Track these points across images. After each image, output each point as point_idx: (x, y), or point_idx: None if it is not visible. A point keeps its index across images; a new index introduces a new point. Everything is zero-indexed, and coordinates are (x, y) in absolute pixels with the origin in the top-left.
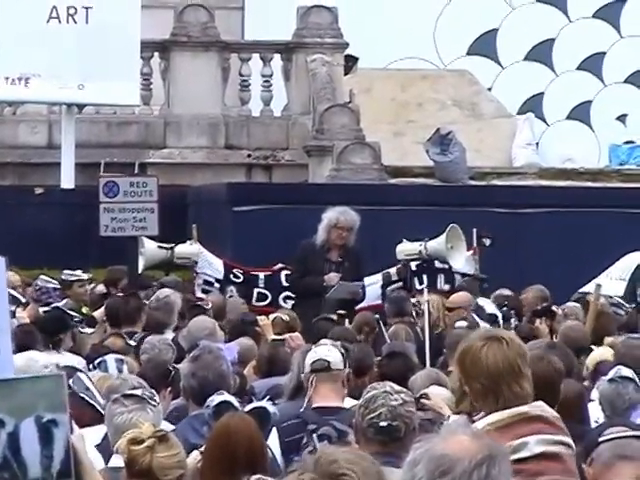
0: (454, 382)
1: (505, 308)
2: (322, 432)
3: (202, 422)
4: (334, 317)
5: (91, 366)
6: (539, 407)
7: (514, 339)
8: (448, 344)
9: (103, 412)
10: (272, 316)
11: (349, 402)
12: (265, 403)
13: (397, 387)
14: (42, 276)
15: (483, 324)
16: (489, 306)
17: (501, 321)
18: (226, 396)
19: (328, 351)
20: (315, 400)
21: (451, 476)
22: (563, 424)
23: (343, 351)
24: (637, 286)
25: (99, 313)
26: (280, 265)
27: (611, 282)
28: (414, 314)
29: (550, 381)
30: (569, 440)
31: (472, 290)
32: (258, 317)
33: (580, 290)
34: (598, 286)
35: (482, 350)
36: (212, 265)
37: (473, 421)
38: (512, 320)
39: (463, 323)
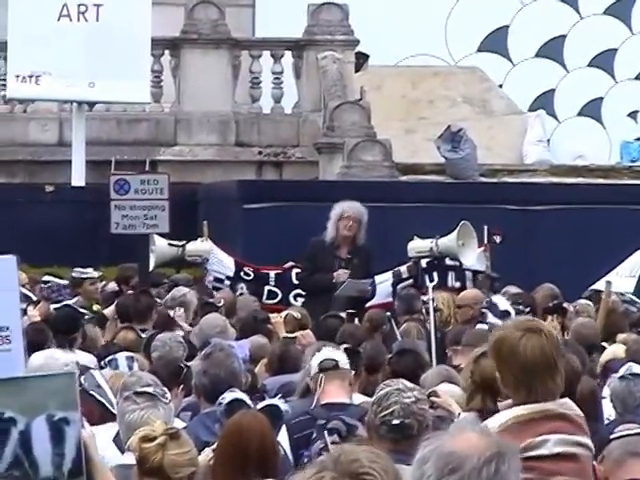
0: (465, 379)
1: (521, 306)
2: (331, 426)
3: (214, 420)
4: (342, 315)
5: (103, 363)
6: (564, 405)
7: (552, 332)
8: (464, 341)
9: (113, 410)
10: (284, 313)
11: (359, 398)
12: (277, 401)
13: (410, 384)
14: (46, 276)
15: (496, 321)
16: (502, 303)
17: (513, 318)
18: (238, 394)
19: (333, 352)
20: (323, 398)
21: (460, 473)
22: (586, 424)
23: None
24: None
25: (109, 311)
26: (291, 263)
27: (621, 279)
28: (424, 311)
29: (568, 379)
30: (588, 441)
31: (483, 288)
32: (270, 315)
33: (591, 287)
34: (608, 283)
35: (521, 341)
36: (223, 263)
37: (487, 417)
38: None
39: (484, 327)
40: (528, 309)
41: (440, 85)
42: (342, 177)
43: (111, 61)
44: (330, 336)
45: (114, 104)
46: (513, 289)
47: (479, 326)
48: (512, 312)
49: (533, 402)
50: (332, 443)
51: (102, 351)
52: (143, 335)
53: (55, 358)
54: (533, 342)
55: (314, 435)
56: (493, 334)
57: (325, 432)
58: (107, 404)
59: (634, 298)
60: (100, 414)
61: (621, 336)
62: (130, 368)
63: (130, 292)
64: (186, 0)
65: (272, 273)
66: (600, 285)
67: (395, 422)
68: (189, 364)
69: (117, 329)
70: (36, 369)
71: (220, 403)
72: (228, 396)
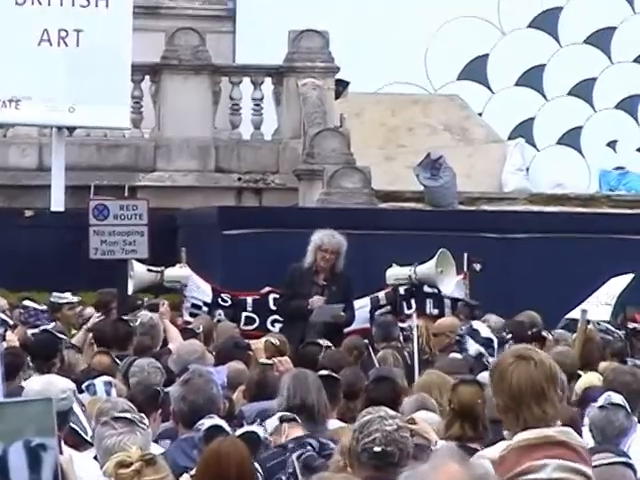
0: (444, 407)
1: (505, 333)
2: (304, 441)
3: (192, 445)
4: (321, 342)
5: (83, 387)
6: (566, 433)
7: (545, 360)
8: (438, 369)
9: (85, 437)
10: (263, 339)
11: (336, 424)
12: (256, 427)
13: (392, 412)
14: (25, 301)
15: (476, 347)
16: (484, 330)
17: (496, 345)
18: (217, 420)
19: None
20: (291, 435)
21: None
22: (588, 454)
23: None
24: (620, 312)
25: (77, 339)
26: (268, 288)
27: (597, 308)
28: (402, 339)
29: None
30: (589, 471)
31: (462, 315)
32: (251, 341)
33: (567, 316)
34: (584, 312)
35: (509, 368)
36: (200, 289)
37: (465, 444)
38: (507, 345)
39: (458, 356)
40: (510, 336)
41: (420, 113)
42: (322, 204)
43: (91, 86)
44: (309, 363)
45: (94, 129)
46: (493, 317)
47: (453, 355)
48: (494, 339)
49: (522, 429)
50: (303, 455)
51: (81, 376)
52: (118, 361)
53: (54, 384)
54: (520, 369)
55: (286, 457)
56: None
57: (293, 455)
58: (80, 431)
59: (610, 327)
60: (72, 441)
61: (603, 365)
62: (108, 393)
63: (102, 316)
64: (167, 26)
65: (249, 299)
66: (576, 314)
67: (376, 449)
68: (167, 390)
69: (92, 354)
70: (35, 394)
71: (198, 429)
72: (207, 422)
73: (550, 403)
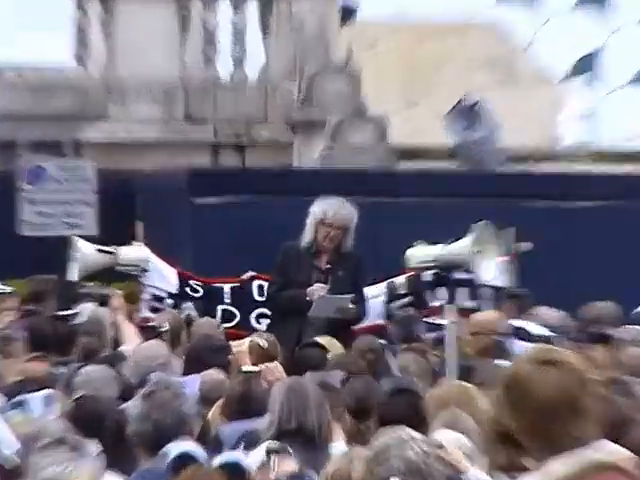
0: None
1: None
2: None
3: (157, 477)
4: (323, 342)
5: (15, 402)
6: (608, 451)
7: (574, 363)
8: (477, 380)
9: (15, 464)
10: (247, 340)
11: (341, 446)
12: (238, 455)
13: (416, 434)
14: None
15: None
16: (534, 327)
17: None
18: (188, 444)
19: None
20: (282, 470)
21: None
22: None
23: None
24: None
25: None
26: (251, 273)
27: None
28: (430, 339)
29: (614, 427)
30: None
31: (505, 308)
32: (232, 343)
33: None
34: None
35: (535, 377)
36: (163, 275)
37: (514, 475)
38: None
39: (506, 363)
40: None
41: (450, 45)
42: (323, 163)
43: (24, 13)
44: (308, 370)
45: (25, 66)
46: (547, 310)
47: (498, 361)
48: (550, 335)
49: (556, 452)
50: None
51: (13, 388)
52: (61, 368)
53: None
54: (549, 378)
55: None
56: (504, 370)
57: None
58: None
59: None
60: None
61: None
62: (48, 411)
63: (27, 310)
64: None
65: (227, 287)
66: None
67: None
68: (124, 406)
69: (25, 359)
70: None
71: (165, 455)
72: (175, 448)
73: (588, 419)
